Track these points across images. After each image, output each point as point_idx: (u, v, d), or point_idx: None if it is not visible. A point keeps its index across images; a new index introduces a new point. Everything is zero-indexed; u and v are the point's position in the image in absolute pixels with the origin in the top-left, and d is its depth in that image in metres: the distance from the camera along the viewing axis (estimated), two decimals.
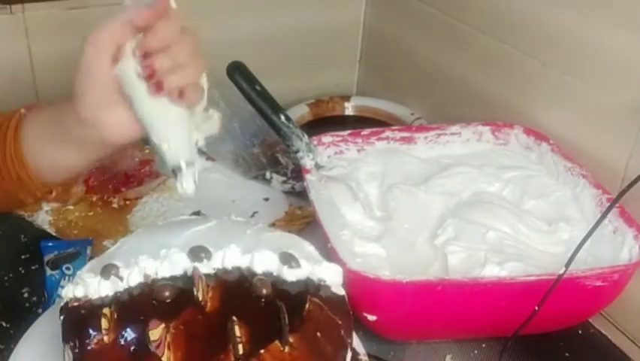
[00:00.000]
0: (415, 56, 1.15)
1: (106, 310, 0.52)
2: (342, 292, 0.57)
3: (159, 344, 0.49)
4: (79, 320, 0.52)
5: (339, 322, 0.55)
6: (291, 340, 0.50)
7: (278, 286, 0.54)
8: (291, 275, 0.55)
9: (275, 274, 0.55)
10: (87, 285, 0.54)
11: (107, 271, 0.54)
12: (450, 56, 1.06)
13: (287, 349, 0.50)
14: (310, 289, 0.55)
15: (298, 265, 0.56)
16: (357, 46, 1.30)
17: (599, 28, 0.79)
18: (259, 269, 0.55)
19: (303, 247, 0.60)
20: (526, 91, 0.92)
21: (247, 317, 0.51)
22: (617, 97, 0.79)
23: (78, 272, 0.57)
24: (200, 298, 0.52)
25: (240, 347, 0.49)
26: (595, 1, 0.80)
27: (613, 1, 0.77)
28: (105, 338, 0.50)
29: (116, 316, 0.52)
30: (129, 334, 0.51)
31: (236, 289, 0.54)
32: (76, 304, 0.53)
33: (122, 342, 0.50)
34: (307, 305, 0.53)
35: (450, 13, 1.04)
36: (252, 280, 0.54)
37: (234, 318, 0.50)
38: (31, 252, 0.87)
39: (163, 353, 0.49)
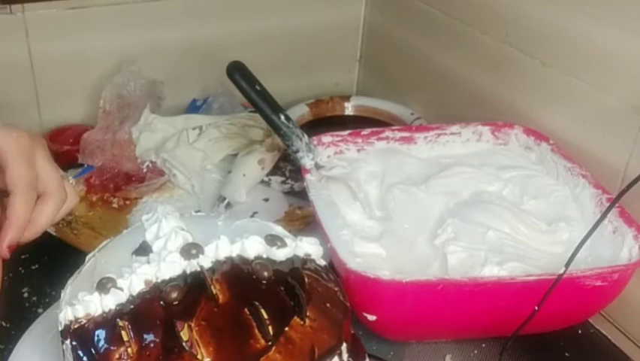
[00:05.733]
0: (415, 56, 1.15)
1: (121, 323, 0.51)
2: (324, 263, 0.60)
3: (191, 343, 0.50)
4: (93, 340, 0.52)
5: (335, 289, 0.58)
6: (307, 313, 0.53)
7: (272, 267, 0.56)
8: (279, 255, 0.57)
9: (265, 256, 0.57)
10: (86, 303, 0.53)
11: (103, 285, 0.54)
12: (450, 56, 1.06)
13: (307, 322, 0.53)
14: (300, 264, 0.58)
15: (284, 245, 0.58)
16: (357, 45, 1.30)
17: (599, 28, 0.79)
18: (251, 254, 0.57)
19: (276, 228, 0.62)
20: (526, 91, 0.92)
21: (259, 300, 0.52)
22: (617, 97, 0.79)
23: (64, 296, 0.57)
24: (214, 292, 0.53)
25: (270, 328, 0.51)
26: (595, 1, 0.79)
27: (613, 1, 0.77)
28: (129, 351, 0.50)
29: (130, 326, 0.51)
30: (152, 340, 0.51)
31: (240, 277, 0.55)
32: (79, 325, 0.53)
33: (148, 350, 0.50)
34: (306, 279, 0.55)
35: (450, 13, 1.04)
36: (250, 265, 0.55)
37: (256, 303, 0.52)
38: (31, 252, 0.87)
39: (197, 351, 0.50)
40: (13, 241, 0.55)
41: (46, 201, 0.57)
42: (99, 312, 0.53)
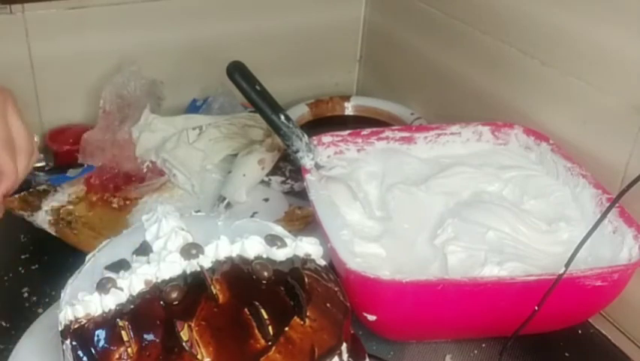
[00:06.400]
0: (415, 56, 1.15)
1: (121, 323, 0.51)
2: (324, 262, 0.60)
3: (191, 343, 0.50)
4: (93, 340, 0.52)
5: (336, 289, 0.58)
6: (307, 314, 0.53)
7: (272, 267, 0.56)
8: (279, 255, 0.58)
9: (265, 256, 0.57)
10: (86, 303, 0.53)
11: (103, 285, 0.54)
12: (450, 56, 1.06)
13: (307, 322, 0.53)
14: (300, 264, 0.58)
15: (284, 245, 0.58)
16: (357, 45, 1.30)
17: (599, 28, 0.79)
18: (251, 254, 0.57)
19: (276, 228, 0.62)
20: (526, 91, 0.92)
21: (259, 300, 0.52)
22: (617, 97, 0.79)
23: (64, 296, 0.57)
24: (214, 292, 0.53)
25: (270, 328, 0.51)
26: (595, 1, 0.79)
27: (613, 1, 0.77)
28: (129, 351, 0.50)
29: (130, 326, 0.51)
30: (152, 340, 0.51)
31: (240, 277, 0.55)
32: (79, 325, 0.53)
33: (148, 350, 0.50)
34: (306, 279, 0.55)
35: (450, 13, 1.04)
36: (250, 265, 0.55)
37: (256, 303, 0.52)
38: (31, 252, 0.87)
39: (197, 351, 0.49)
40: (9, 191, 0.61)
41: (20, 154, 0.63)
42: (99, 312, 0.53)
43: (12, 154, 0.62)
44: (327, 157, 0.87)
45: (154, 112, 1.05)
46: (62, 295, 0.57)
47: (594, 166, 0.80)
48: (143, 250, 0.58)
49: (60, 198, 0.95)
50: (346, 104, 1.22)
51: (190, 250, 0.56)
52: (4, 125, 0.62)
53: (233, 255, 0.57)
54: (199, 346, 0.50)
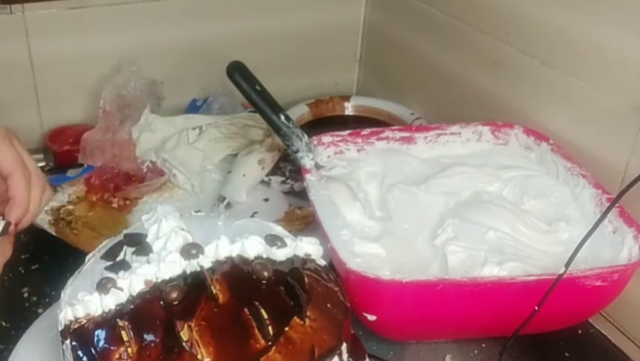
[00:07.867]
0: (415, 56, 1.15)
1: (121, 323, 0.51)
2: (324, 262, 0.60)
3: (191, 343, 0.50)
4: (93, 340, 0.52)
5: (335, 288, 0.58)
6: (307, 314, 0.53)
7: (272, 267, 0.56)
8: (279, 255, 0.58)
9: (265, 256, 0.57)
10: (86, 303, 0.53)
11: (103, 285, 0.54)
12: (450, 56, 1.06)
13: (307, 322, 0.53)
14: (300, 264, 0.58)
15: (284, 245, 0.58)
16: (357, 45, 1.30)
17: (599, 28, 0.79)
18: (251, 254, 0.57)
19: (276, 228, 0.62)
20: (526, 91, 0.92)
21: (259, 300, 0.52)
22: (617, 97, 0.79)
23: (64, 296, 0.57)
24: (214, 292, 0.53)
25: (270, 328, 0.51)
26: (595, 1, 0.79)
27: (613, 1, 0.77)
28: (129, 351, 0.50)
29: (130, 326, 0.51)
30: (152, 340, 0.51)
31: (240, 277, 0.55)
32: (79, 325, 0.53)
33: (148, 350, 0.50)
34: (306, 279, 0.55)
35: (450, 13, 1.04)
36: (250, 265, 0.56)
37: (256, 303, 0.52)
38: (31, 252, 0.87)
39: (197, 351, 0.50)
40: (19, 218, 0.57)
41: (33, 186, 0.58)
42: (99, 312, 0.53)
43: (27, 182, 0.58)
44: (327, 157, 0.87)
45: (154, 112, 1.05)
46: (62, 295, 0.57)
47: (594, 166, 0.80)
48: (143, 250, 0.58)
49: (60, 198, 0.96)
50: (346, 104, 1.22)
51: (190, 250, 0.56)
52: (17, 152, 0.58)
53: (233, 255, 0.57)
54: (199, 346, 0.50)
